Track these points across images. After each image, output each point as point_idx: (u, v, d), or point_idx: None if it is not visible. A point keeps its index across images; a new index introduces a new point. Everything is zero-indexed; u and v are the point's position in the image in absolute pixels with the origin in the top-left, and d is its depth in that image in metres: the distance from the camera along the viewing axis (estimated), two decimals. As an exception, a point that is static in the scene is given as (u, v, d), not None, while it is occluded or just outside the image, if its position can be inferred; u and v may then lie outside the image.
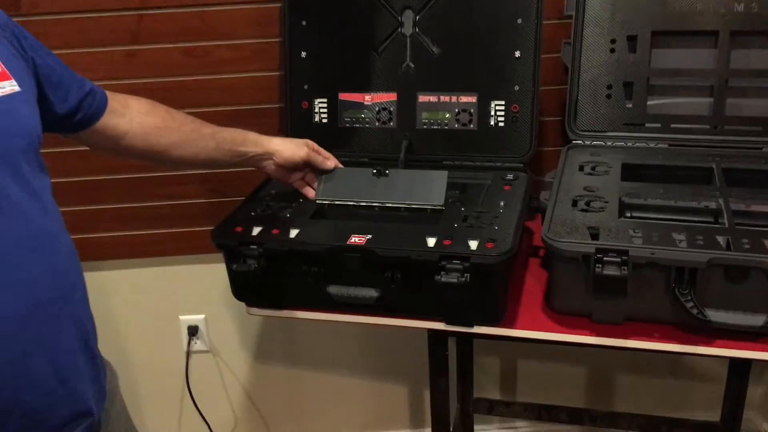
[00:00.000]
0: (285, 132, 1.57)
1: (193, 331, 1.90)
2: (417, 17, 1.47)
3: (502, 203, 1.30)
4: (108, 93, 1.13)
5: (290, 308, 1.31)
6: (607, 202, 1.27)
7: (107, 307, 1.87)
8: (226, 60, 1.60)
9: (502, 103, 1.46)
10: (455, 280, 1.12)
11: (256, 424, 2.04)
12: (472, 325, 1.22)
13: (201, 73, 1.61)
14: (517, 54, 1.43)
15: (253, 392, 2.00)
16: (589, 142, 1.51)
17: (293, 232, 1.26)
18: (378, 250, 1.17)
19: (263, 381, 1.98)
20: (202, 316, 1.89)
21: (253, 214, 1.33)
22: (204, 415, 1.94)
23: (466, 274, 1.13)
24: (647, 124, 1.50)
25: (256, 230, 1.27)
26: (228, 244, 1.25)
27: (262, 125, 1.63)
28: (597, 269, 1.11)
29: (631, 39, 1.48)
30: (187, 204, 1.74)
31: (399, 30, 1.48)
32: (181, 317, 1.90)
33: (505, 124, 1.46)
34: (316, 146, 1.36)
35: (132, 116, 1.15)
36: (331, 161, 1.37)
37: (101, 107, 1.10)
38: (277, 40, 1.58)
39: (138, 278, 1.83)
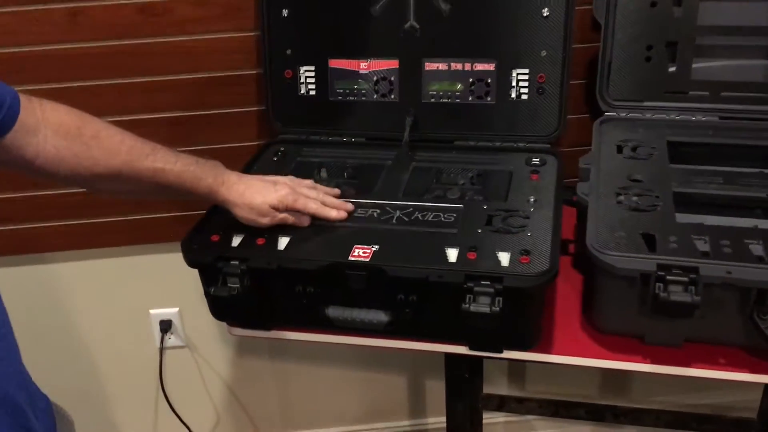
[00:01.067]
0: (266, 107, 1.33)
1: (166, 326, 1.69)
2: (422, -32, 1.22)
3: (531, 199, 1.09)
4: (24, 99, 0.84)
5: (280, 329, 1.10)
6: (658, 197, 1.05)
7: (67, 303, 1.65)
8: (191, 19, 1.33)
9: (526, 71, 1.22)
10: (486, 310, 0.91)
11: (240, 422, 1.86)
12: (501, 351, 1.02)
13: (160, 34, 1.35)
14: (545, 12, 1.19)
15: (236, 388, 1.81)
16: (624, 114, 1.29)
17: (283, 242, 1.03)
18: (388, 270, 0.95)
19: (246, 376, 1.79)
20: (175, 310, 1.68)
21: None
22: (182, 415, 1.74)
23: (498, 299, 0.92)
24: (692, 92, 1.27)
25: (237, 239, 1.04)
26: (202, 261, 1.02)
27: (236, 96, 1.39)
28: (659, 291, 0.91)
29: (677, -10, 1.24)
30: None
31: (401, -17, 1.23)
32: (151, 311, 1.68)
33: (528, 96, 1.23)
34: (289, 201, 1.03)
35: (47, 136, 0.86)
36: (306, 218, 1.06)
37: (8, 122, 0.82)
38: (253, -6, 1.32)
39: (100, 271, 1.61)
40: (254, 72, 1.38)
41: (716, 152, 1.19)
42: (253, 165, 1.25)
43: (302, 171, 1.23)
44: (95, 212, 1.50)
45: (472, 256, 0.97)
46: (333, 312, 1.01)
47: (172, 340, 1.71)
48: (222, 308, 1.08)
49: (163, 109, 1.41)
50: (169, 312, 1.68)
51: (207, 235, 1.06)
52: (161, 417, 1.78)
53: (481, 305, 0.91)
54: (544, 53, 1.20)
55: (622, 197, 1.06)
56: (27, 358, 0.84)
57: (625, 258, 0.93)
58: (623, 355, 1.00)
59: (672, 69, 1.27)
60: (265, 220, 1.03)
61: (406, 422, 1.89)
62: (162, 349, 1.70)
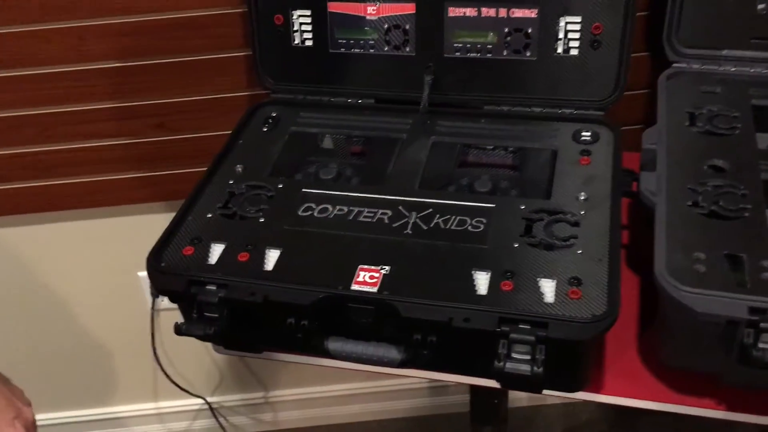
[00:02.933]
0: (253, 59, 1.08)
1: (157, 288, 1.52)
2: None
3: (582, 196, 0.86)
4: None
5: (273, 350, 0.92)
6: (745, 194, 0.83)
7: (50, 267, 1.49)
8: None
9: (577, 19, 0.96)
10: (527, 371, 0.71)
11: (245, 381, 1.73)
12: (540, 391, 0.83)
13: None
14: (606, -58, 0.92)
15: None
16: (697, 66, 1.03)
17: (271, 257, 0.83)
18: (401, 308, 0.75)
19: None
20: (166, 271, 1.50)
21: (209, 216, 0.90)
22: (184, 378, 1.63)
23: (540, 350, 0.72)
24: (787, 40, 1.01)
25: (215, 252, 0.85)
26: (172, 289, 0.82)
27: (217, 40, 1.15)
28: (748, 341, 0.71)
29: None
30: (130, 144, 1.28)
31: None
32: (140, 273, 1.51)
33: (579, 51, 0.98)
34: None
35: None
36: None
37: None
38: None
39: (85, 232, 1.43)
40: (239, 10, 1.13)
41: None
42: (238, 136, 1.02)
43: (298, 145, 1.01)
44: (74, 171, 1.31)
45: (507, 286, 0.77)
46: (334, 345, 0.82)
47: (165, 302, 1.54)
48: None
49: (128, 56, 1.17)
50: (159, 275, 1.50)
51: (178, 247, 0.86)
52: (161, 384, 1.65)
53: (520, 364, 0.71)
54: (602, -4, 0.94)
55: (699, 196, 0.83)
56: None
57: (706, 298, 0.72)
58: (698, 398, 0.82)
59: (761, 7, 1.00)
60: None
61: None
62: (154, 313, 1.55)
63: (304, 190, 0.92)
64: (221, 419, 1.77)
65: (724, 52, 1.02)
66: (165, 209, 1.38)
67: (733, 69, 1.02)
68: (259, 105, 1.08)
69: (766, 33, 1.01)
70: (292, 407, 1.78)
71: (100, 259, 1.48)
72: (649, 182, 0.86)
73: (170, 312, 1.55)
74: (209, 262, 0.84)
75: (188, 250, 0.85)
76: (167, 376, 1.57)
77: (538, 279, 0.77)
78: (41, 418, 1.75)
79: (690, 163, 0.88)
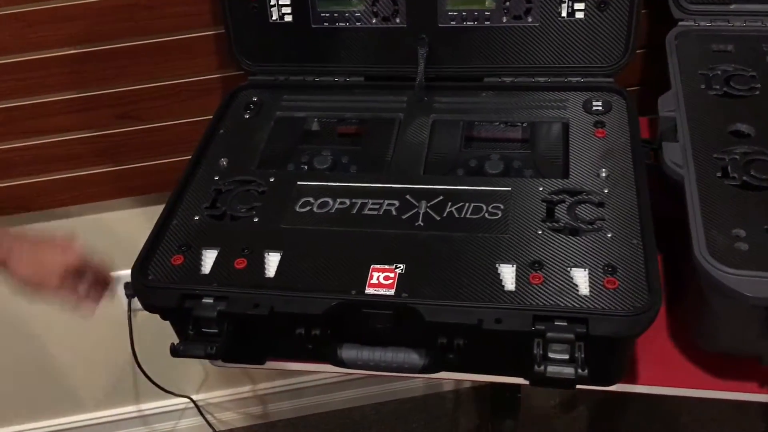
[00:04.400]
0: (227, 39, 0.98)
1: (130, 287, 1.41)
2: None
3: (603, 173, 0.80)
4: None
5: (278, 360, 0.84)
6: (777, 163, 0.77)
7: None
8: None
9: (583, -21, 0.89)
10: (571, 374, 0.65)
11: (232, 375, 1.65)
12: (573, 387, 0.77)
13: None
14: None
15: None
16: (706, 23, 0.97)
17: (272, 262, 0.75)
18: (424, 312, 0.68)
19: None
20: (141, 269, 1.41)
21: (196, 218, 0.81)
22: (168, 377, 1.53)
23: (580, 348, 0.66)
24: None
25: (208, 260, 0.76)
26: (163, 306, 0.74)
27: (182, 18, 1.05)
28: (802, 324, 0.66)
29: None
30: (92, 137, 1.17)
31: None
32: (113, 274, 1.41)
33: (585, 14, 0.90)
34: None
35: None
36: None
37: None
38: None
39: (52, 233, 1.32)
40: (210, -15, 1.03)
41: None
42: (218, 125, 0.93)
43: (286, 131, 0.93)
44: (35, 170, 1.20)
45: (536, 279, 0.70)
46: (348, 354, 0.75)
47: (142, 301, 1.46)
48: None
49: (83, 42, 1.06)
50: (133, 274, 1.41)
51: (166, 257, 0.77)
52: (142, 385, 1.57)
53: (562, 367, 0.65)
54: (609, -46, 0.87)
55: (728, 165, 0.77)
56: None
57: (756, 280, 0.67)
58: (740, 382, 0.77)
59: (771, -43, 0.94)
60: (51, 281, 0.80)
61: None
62: (131, 313, 1.45)
63: (299, 182, 0.83)
64: (208, 416, 1.69)
65: (733, 7, 0.96)
66: (136, 204, 1.28)
67: (744, 24, 0.96)
68: (238, 89, 0.98)
69: (777, -16, 0.95)
70: (283, 398, 1.71)
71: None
72: (672, 153, 0.80)
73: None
74: (203, 272, 0.75)
75: (177, 259, 0.77)
76: (149, 378, 1.48)
77: (569, 269, 0.71)
78: (17, 430, 1.67)
79: (713, 130, 0.82)
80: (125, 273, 1.37)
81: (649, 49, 1.05)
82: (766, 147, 0.79)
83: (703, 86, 0.88)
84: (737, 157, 0.78)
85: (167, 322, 0.79)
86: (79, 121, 1.15)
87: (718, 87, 0.88)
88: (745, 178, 0.76)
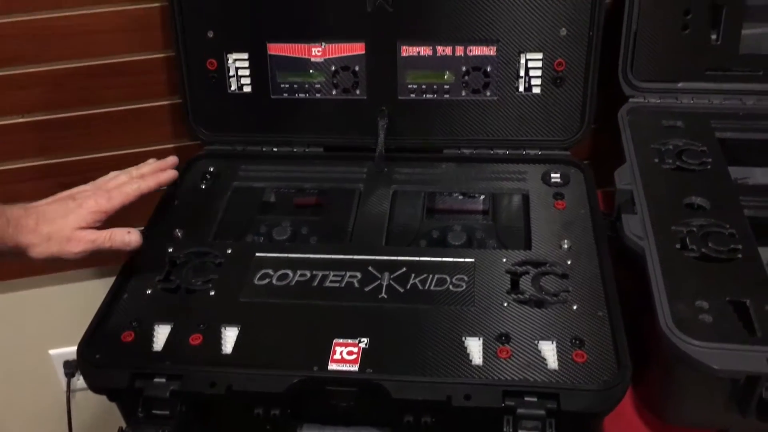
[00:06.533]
0: (183, 108, 0.97)
1: (71, 367, 1.35)
2: None
3: (565, 244, 0.80)
4: None
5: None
6: (734, 234, 0.79)
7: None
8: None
9: (539, 56, 0.91)
10: (542, 451, 0.63)
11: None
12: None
13: (23, 9, 0.95)
14: (566, -24, 0.87)
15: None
16: (656, 100, 1.00)
17: (229, 337, 0.72)
18: (390, 387, 0.66)
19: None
20: (81, 347, 1.34)
21: (149, 291, 0.77)
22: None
23: (551, 425, 0.64)
24: (741, 72, 0.99)
25: (160, 336, 0.72)
26: (111, 387, 0.69)
27: (137, 88, 1.03)
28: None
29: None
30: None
31: (365, -65, 0.88)
32: (52, 352, 1.34)
33: (542, 89, 0.92)
34: (102, 204, 0.77)
35: None
36: (134, 235, 0.77)
37: None
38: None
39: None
40: (164, 55, 1.01)
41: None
42: (173, 195, 0.91)
43: (243, 201, 0.91)
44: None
45: (504, 352, 0.68)
46: (309, 434, 0.71)
47: (81, 381, 1.38)
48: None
49: (34, 110, 1.04)
50: (72, 351, 1.33)
51: (115, 333, 0.73)
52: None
53: (532, 443, 0.63)
54: (564, 32, 0.89)
55: (686, 237, 0.78)
56: None
57: (723, 352, 0.66)
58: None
59: (714, 38, 0.98)
60: (73, 247, 0.75)
61: None
62: (69, 394, 1.37)
63: (257, 254, 0.81)
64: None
65: (680, 85, 1.00)
66: (85, 276, 1.23)
67: (692, 101, 0.99)
68: (194, 159, 0.96)
69: (720, 64, 0.99)
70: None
71: (5, 337, 1.30)
72: (632, 225, 0.81)
73: (88, 392, 1.38)
74: (155, 349, 0.71)
75: (128, 336, 0.72)
76: (88, 464, 1.39)
77: (536, 342, 0.69)
78: None
79: (669, 203, 0.83)
80: (68, 350, 1.33)
81: (602, 122, 1.08)
82: (721, 220, 0.80)
83: (656, 160, 0.90)
84: (694, 229, 0.79)
85: (113, 404, 0.74)
86: (29, 190, 1.11)
87: (670, 161, 0.90)
88: (703, 249, 0.77)
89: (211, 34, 0.92)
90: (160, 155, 1.08)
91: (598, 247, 0.79)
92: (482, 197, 0.90)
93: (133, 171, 0.83)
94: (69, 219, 0.75)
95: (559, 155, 0.93)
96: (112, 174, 0.82)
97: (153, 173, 0.83)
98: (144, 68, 1.02)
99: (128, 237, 0.76)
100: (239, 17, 0.92)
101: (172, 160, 0.85)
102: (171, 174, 0.84)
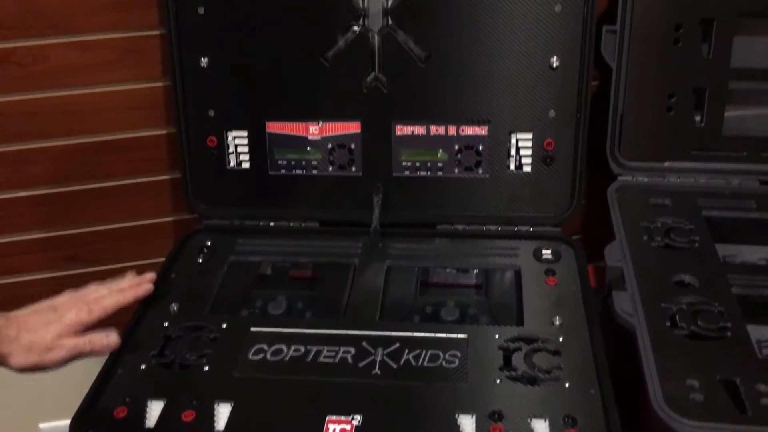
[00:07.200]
0: (183, 183, 0.99)
1: (62, 441, 1.33)
2: (389, 3, 0.91)
3: (557, 320, 0.81)
4: None
5: None
6: (723, 312, 0.80)
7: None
8: (73, 67, 0.99)
9: (528, 136, 0.95)
10: None
11: None
12: None
13: (31, 89, 0.99)
14: (554, 61, 0.91)
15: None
16: (644, 178, 1.03)
17: (222, 414, 0.72)
18: (385, 468, 0.66)
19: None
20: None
21: (143, 367, 0.78)
22: None
23: (545, 505, 0.64)
24: (725, 153, 1.02)
25: (153, 412, 0.72)
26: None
27: (139, 164, 1.06)
28: (761, 476, 0.65)
29: (706, 23, 0.98)
30: (31, 281, 1.13)
31: (362, 23, 0.92)
32: (42, 425, 1.32)
33: (532, 168, 0.95)
34: (83, 316, 0.78)
35: None
36: (112, 336, 0.78)
37: None
38: (157, 33, 0.98)
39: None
40: (165, 132, 1.04)
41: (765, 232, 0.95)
42: (170, 268, 0.92)
43: (240, 275, 0.92)
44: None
45: (497, 430, 0.68)
46: None
47: (73, 455, 1.36)
48: None
49: (39, 184, 1.06)
50: (63, 425, 1.32)
51: (108, 409, 0.73)
52: None
53: None
54: (552, 113, 0.93)
55: (676, 315, 0.79)
56: None
57: (714, 431, 0.67)
58: None
59: (698, 120, 1.02)
60: (54, 356, 0.77)
61: None
62: (59, 469, 1.35)
63: (252, 328, 0.82)
64: None
65: (667, 164, 1.03)
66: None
67: (678, 180, 1.02)
68: (192, 233, 0.98)
69: (704, 145, 1.02)
70: None
71: (-5, 412, 1.29)
72: (623, 303, 0.82)
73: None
74: (147, 426, 0.71)
75: (120, 412, 0.72)
76: None
77: (529, 420, 0.70)
78: None
79: (659, 281, 0.85)
80: (60, 424, 1.31)
81: (593, 197, 1.10)
82: (709, 297, 0.82)
83: (645, 238, 0.92)
84: (684, 306, 0.81)
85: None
86: (28, 263, 1.12)
87: (659, 239, 0.92)
88: (693, 327, 0.78)
89: (212, 113, 0.96)
90: (159, 229, 1.11)
91: (590, 324, 0.80)
92: (475, 272, 0.91)
93: (113, 285, 0.84)
94: (50, 329, 0.76)
95: (550, 232, 0.95)
96: (92, 286, 0.83)
97: (131, 287, 0.84)
98: (146, 144, 1.05)
99: (107, 340, 0.77)
100: (239, 97, 0.96)
101: (149, 276, 0.87)
102: (147, 287, 0.85)
